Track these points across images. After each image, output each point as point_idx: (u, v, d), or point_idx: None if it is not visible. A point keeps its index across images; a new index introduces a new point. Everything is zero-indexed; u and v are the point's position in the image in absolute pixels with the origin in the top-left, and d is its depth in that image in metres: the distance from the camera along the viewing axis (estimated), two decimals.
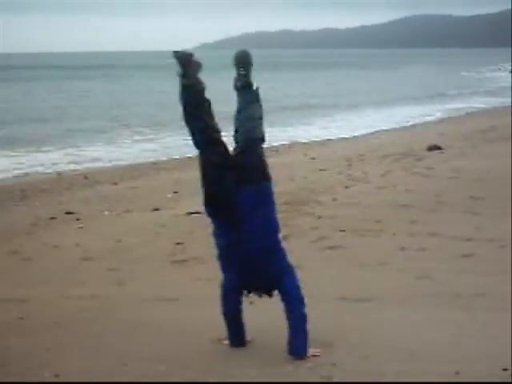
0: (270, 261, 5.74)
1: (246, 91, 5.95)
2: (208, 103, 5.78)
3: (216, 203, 5.77)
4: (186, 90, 5.74)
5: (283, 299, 5.78)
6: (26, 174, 20.21)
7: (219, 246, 5.86)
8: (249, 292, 5.94)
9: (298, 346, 5.72)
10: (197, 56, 5.81)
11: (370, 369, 5.49)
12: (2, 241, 11.35)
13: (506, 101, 42.30)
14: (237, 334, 6.04)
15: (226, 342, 6.07)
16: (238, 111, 5.94)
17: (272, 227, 5.81)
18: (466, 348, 5.82)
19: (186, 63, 5.76)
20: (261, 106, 5.96)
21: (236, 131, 5.91)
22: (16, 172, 20.63)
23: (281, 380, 5.39)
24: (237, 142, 5.88)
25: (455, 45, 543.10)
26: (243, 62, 5.98)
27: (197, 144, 5.79)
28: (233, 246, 5.74)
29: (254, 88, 5.96)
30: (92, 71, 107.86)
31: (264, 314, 6.43)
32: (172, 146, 26.34)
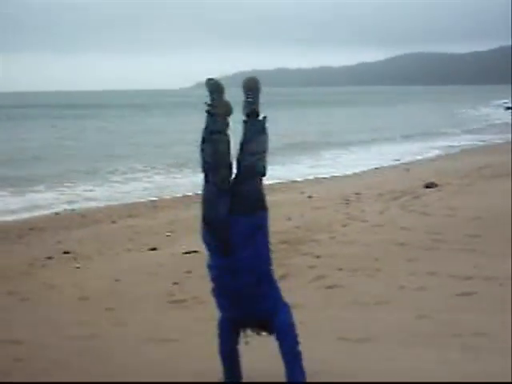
0: (263, 292, 5.69)
1: (253, 120, 5.93)
2: (225, 134, 5.83)
3: (210, 226, 5.75)
4: (209, 115, 5.84)
5: (277, 337, 5.71)
6: (23, 213, 20.20)
7: (212, 279, 5.83)
8: (245, 328, 5.89)
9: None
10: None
11: None
12: None
13: (501, 138, 42.56)
14: (232, 373, 5.97)
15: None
16: (243, 142, 5.88)
17: (265, 257, 5.77)
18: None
19: (215, 91, 5.91)
20: (266, 137, 5.92)
21: (238, 162, 5.87)
22: (12, 212, 20.62)
23: None
24: (237, 172, 5.85)
25: (451, 82, 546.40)
26: (251, 89, 6.00)
27: (203, 167, 5.80)
28: (226, 278, 5.69)
29: (261, 117, 5.96)
30: (82, 110, 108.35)
31: (260, 353, 6.38)
32: (167, 184, 26.41)
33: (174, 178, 27.94)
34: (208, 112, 5.86)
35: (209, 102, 5.89)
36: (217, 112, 5.86)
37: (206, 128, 5.84)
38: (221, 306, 5.87)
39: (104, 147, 41.84)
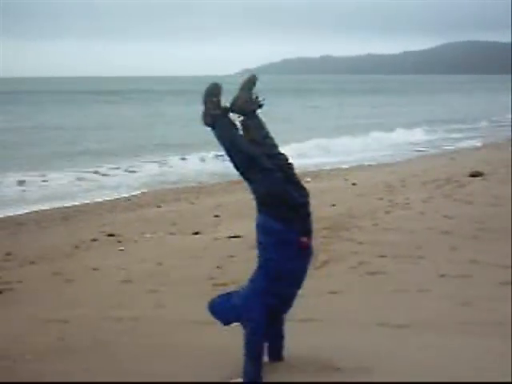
0: None
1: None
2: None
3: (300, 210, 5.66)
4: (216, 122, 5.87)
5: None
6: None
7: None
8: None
9: None
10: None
11: None
12: (45, 262, 11.49)
13: None
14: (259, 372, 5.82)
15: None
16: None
17: None
18: (508, 376, 5.75)
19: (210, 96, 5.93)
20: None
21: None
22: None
23: None
24: None
25: (501, 71, 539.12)
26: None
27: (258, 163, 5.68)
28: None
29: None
30: (133, 95, 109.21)
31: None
32: (213, 169, 26.56)
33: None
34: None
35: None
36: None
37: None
38: (279, 296, 5.77)
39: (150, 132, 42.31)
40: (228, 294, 6.04)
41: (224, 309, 5.94)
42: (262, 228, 5.65)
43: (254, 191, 5.68)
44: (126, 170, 26.35)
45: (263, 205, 5.62)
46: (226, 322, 6.01)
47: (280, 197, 5.55)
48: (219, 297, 6.04)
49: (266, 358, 6.00)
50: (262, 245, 5.69)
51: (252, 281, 5.85)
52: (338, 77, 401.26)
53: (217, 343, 6.79)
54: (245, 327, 5.76)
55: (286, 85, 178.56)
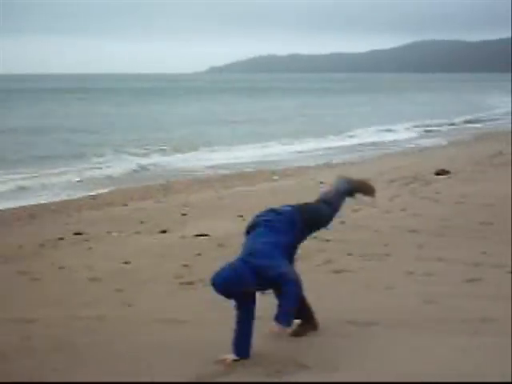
0: None
1: None
2: None
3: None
4: None
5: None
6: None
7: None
8: None
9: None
10: None
11: None
12: (11, 261, 11.40)
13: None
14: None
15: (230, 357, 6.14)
16: None
17: None
18: (473, 373, 5.80)
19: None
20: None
21: None
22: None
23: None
24: None
25: (465, 70, 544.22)
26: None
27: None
28: None
29: None
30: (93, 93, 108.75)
31: None
32: (179, 167, 26.58)
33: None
34: None
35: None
36: None
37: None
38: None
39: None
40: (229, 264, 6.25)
41: (234, 276, 6.09)
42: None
43: None
44: (92, 168, 26.24)
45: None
46: (239, 290, 6.14)
47: None
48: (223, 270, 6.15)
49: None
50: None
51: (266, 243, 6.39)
52: (305, 75, 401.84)
53: (184, 342, 6.79)
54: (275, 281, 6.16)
55: (256, 84, 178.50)
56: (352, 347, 6.50)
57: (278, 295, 6.31)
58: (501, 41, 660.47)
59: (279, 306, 6.15)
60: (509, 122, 46.07)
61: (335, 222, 12.91)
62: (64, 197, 19.97)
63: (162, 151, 31.94)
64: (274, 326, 6.05)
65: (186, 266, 10.37)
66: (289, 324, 6.14)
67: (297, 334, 6.74)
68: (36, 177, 24.10)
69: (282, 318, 6.07)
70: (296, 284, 6.17)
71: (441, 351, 6.34)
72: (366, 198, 7.77)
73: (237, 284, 6.03)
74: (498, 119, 52.14)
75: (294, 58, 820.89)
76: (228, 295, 6.11)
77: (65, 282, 9.81)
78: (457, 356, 6.19)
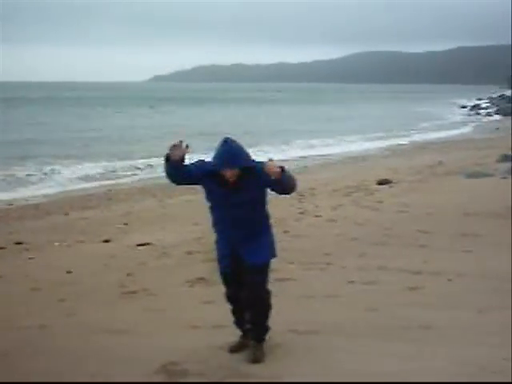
0: None
1: None
2: None
3: None
4: None
5: None
6: None
7: None
8: None
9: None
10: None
11: None
12: None
13: (452, 135, 43.30)
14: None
15: None
16: None
17: None
18: (413, 380, 5.88)
19: None
20: None
21: None
22: None
23: None
24: None
25: (404, 81, 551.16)
26: None
27: None
28: None
29: None
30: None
31: None
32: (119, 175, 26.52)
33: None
34: None
35: None
36: None
37: None
38: None
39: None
40: None
41: None
42: None
43: None
44: (30, 176, 25.96)
45: None
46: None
47: None
48: None
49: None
50: None
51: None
52: (248, 85, 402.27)
53: (128, 351, 6.77)
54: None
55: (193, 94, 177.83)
56: (294, 355, 6.54)
57: None
58: (449, 52, 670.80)
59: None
60: (449, 134, 46.90)
61: (278, 230, 13.02)
62: (3, 205, 19.69)
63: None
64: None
65: (129, 275, 10.31)
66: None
67: (232, 350, 6.68)
68: None
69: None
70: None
71: (380, 358, 6.41)
72: None
73: None
74: (439, 130, 52.84)
75: (238, 67, 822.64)
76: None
77: (5, 292, 9.68)
78: (397, 363, 6.28)
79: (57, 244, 13.34)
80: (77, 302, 8.91)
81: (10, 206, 19.42)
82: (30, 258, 11.98)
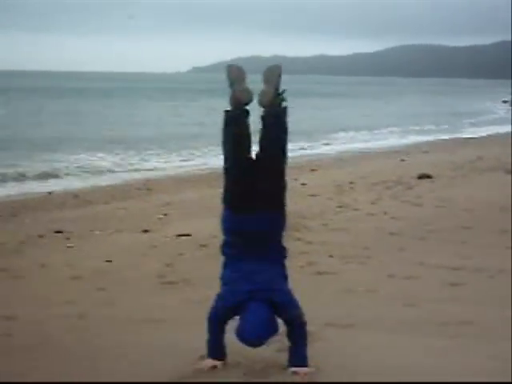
0: None
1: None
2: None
3: None
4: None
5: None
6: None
7: None
8: None
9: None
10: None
11: None
12: None
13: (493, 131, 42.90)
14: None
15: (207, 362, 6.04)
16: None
17: None
18: (453, 376, 5.84)
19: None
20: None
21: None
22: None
23: None
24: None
25: (446, 75, 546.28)
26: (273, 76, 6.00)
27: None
28: None
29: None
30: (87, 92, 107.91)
31: None
32: (162, 167, 26.58)
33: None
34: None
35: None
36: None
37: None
38: None
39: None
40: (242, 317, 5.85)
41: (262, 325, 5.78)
42: None
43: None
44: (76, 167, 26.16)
45: None
46: (266, 338, 5.84)
47: None
48: (243, 323, 5.78)
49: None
50: None
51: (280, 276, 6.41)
52: (287, 77, 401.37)
53: (167, 341, 6.79)
54: (293, 321, 5.94)
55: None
56: (331, 349, 6.52)
57: (291, 335, 5.95)
58: (492, 45, 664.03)
59: (296, 348, 5.89)
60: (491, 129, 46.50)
61: (317, 224, 13.02)
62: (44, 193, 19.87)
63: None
64: (301, 373, 5.78)
65: (168, 265, 10.36)
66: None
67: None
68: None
69: (303, 360, 5.86)
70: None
71: (419, 354, 6.38)
72: None
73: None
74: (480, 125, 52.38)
75: (279, 59, 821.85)
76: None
77: (46, 280, 9.78)
78: (436, 358, 6.24)
79: (97, 233, 13.43)
80: (116, 292, 8.97)
81: (50, 195, 19.57)
82: (69, 247, 12.08)
